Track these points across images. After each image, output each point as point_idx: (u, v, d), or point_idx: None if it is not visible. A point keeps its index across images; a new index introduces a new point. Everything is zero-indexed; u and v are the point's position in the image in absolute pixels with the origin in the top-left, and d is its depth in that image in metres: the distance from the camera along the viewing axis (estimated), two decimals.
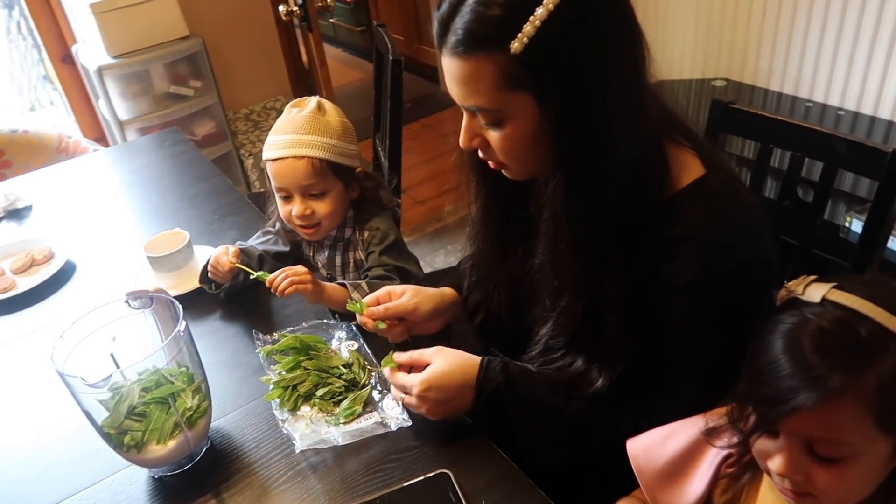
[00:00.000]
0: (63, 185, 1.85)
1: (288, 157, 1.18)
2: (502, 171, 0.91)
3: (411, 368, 0.95)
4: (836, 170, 1.22)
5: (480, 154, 0.90)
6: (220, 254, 1.20)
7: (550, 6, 0.72)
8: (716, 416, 0.75)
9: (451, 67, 0.81)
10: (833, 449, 0.61)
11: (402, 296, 1.06)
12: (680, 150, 0.87)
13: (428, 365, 0.93)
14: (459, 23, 0.77)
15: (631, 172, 0.80)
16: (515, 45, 0.73)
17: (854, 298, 0.62)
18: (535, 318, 0.98)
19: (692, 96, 2.54)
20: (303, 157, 1.18)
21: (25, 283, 1.39)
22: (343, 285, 1.17)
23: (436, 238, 2.91)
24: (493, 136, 0.84)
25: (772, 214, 1.36)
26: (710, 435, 0.75)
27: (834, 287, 0.63)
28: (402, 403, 0.95)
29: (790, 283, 0.66)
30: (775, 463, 0.65)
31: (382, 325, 1.03)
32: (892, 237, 2.04)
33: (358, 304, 1.05)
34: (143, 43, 2.67)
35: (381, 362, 0.97)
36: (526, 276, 0.99)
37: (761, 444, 0.66)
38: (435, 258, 2.74)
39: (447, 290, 1.14)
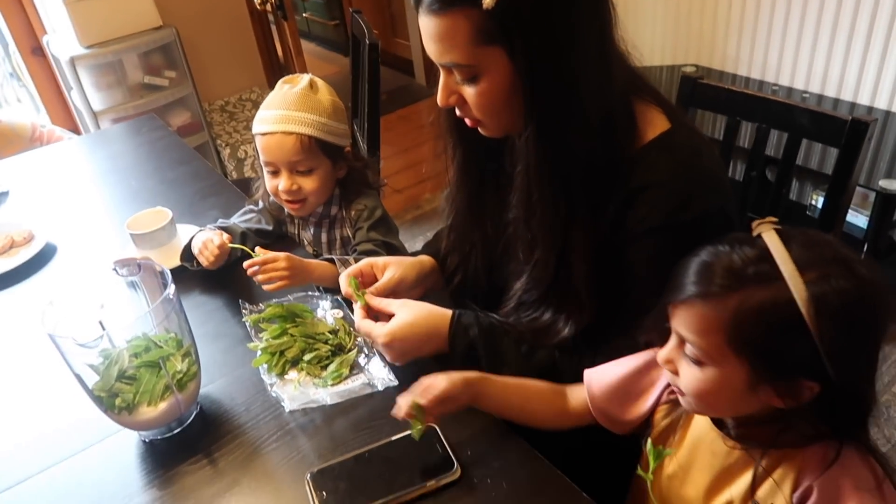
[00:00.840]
0: (40, 172, 1.84)
1: (277, 133, 1.20)
2: (479, 128, 0.94)
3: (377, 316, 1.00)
4: (800, 141, 1.27)
5: (457, 112, 0.93)
6: (207, 240, 1.20)
7: None
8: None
9: (426, 25, 0.84)
10: (693, 349, 0.69)
11: (386, 270, 1.08)
12: (647, 106, 0.91)
13: (391, 316, 0.97)
14: None
15: (599, 125, 0.85)
16: (487, 1, 0.77)
17: (775, 242, 0.65)
18: (510, 274, 1.02)
19: (663, 82, 2.60)
20: (292, 133, 1.20)
21: (5, 264, 1.38)
22: (331, 260, 1.19)
23: (414, 225, 2.94)
24: (469, 92, 0.87)
25: (739, 190, 1.40)
26: (649, 376, 0.82)
27: (775, 229, 0.67)
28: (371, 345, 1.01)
29: (755, 223, 0.70)
30: (660, 352, 0.74)
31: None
32: (853, 212, 2.12)
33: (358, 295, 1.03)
34: (116, 33, 2.65)
35: (356, 295, 1.00)
36: (502, 235, 1.02)
37: (665, 348, 0.75)
38: (414, 245, 2.74)
39: (425, 259, 1.17)
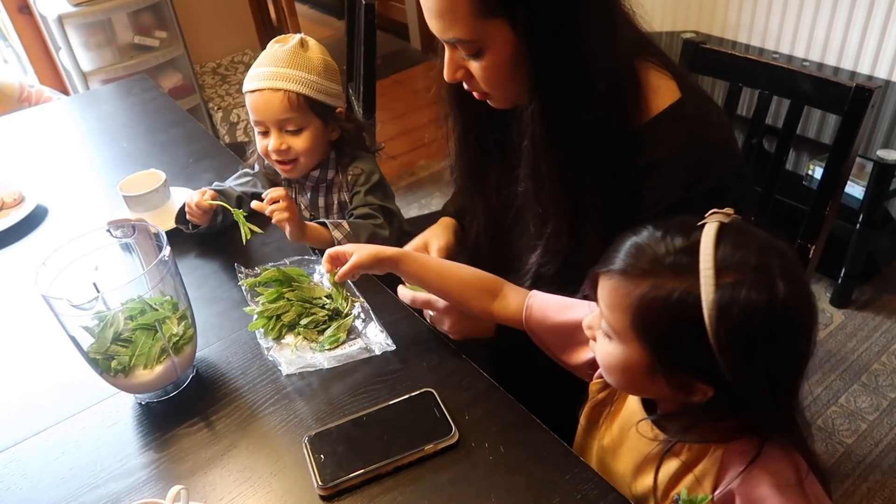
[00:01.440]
0: (28, 133, 1.81)
1: (265, 89, 1.18)
2: (487, 100, 0.93)
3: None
4: (801, 108, 1.26)
5: (465, 86, 0.92)
6: (198, 195, 1.19)
7: None
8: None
9: (427, 2, 0.83)
10: (605, 322, 0.71)
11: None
12: (655, 72, 0.89)
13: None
14: None
15: (606, 95, 0.83)
16: None
17: (709, 237, 0.63)
18: (523, 248, 1.01)
19: (664, 49, 2.56)
20: (279, 89, 1.18)
21: None
22: (324, 224, 1.18)
23: (409, 192, 2.92)
24: (475, 66, 0.87)
25: None
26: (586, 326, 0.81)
27: (723, 221, 0.65)
28: (429, 319, 1.00)
29: (715, 209, 0.68)
30: (584, 319, 0.78)
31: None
32: (850, 182, 2.11)
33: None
34: None
35: (408, 286, 1.01)
36: (510, 205, 1.01)
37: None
38: (409, 212, 2.75)
39: (448, 223, 1.22)
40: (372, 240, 1.17)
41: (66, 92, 2.92)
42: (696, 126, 0.87)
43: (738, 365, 0.62)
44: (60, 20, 2.53)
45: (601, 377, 0.83)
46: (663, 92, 0.88)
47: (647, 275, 0.65)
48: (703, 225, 0.65)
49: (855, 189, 2.11)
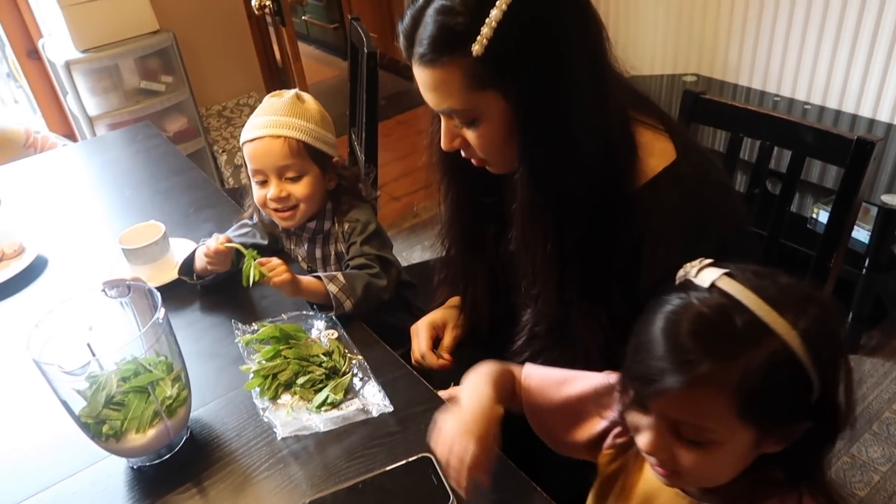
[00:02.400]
0: (32, 181, 1.81)
1: (265, 137, 1.19)
2: (486, 167, 0.93)
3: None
4: (803, 158, 1.25)
5: (463, 153, 0.93)
6: (211, 242, 1.18)
7: (503, 6, 0.76)
8: (614, 377, 0.77)
9: (421, 76, 0.85)
10: (696, 433, 0.62)
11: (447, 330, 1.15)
12: (651, 133, 0.89)
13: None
14: (423, 33, 0.81)
15: (597, 159, 0.83)
16: (476, 48, 0.77)
17: (739, 288, 0.61)
18: (518, 305, 1.00)
19: (664, 91, 2.58)
20: (280, 136, 1.19)
21: None
22: (318, 277, 1.16)
23: (412, 234, 2.91)
24: (471, 135, 0.88)
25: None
26: (597, 400, 0.78)
27: (725, 274, 0.64)
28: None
29: (687, 265, 0.67)
30: (642, 440, 0.67)
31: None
32: (855, 226, 2.10)
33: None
34: (112, 37, 2.62)
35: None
36: (505, 265, 1.01)
37: (635, 418, 0.68)
38: (412, 254, 2.74)
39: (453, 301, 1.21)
40: (368, 289, 1.16)
41: (72, 136, 2.95)
42: (693, 187, 0.86)
43: (831, 378, 0.62)
44: (68, 66, 2.56)
45: (612, 447, 0.81)
46: (659, 153, 0.88)
47: (731, 359, 0.59)
48: (713, 286, 0.63)
49: (860, 233, 2.10)
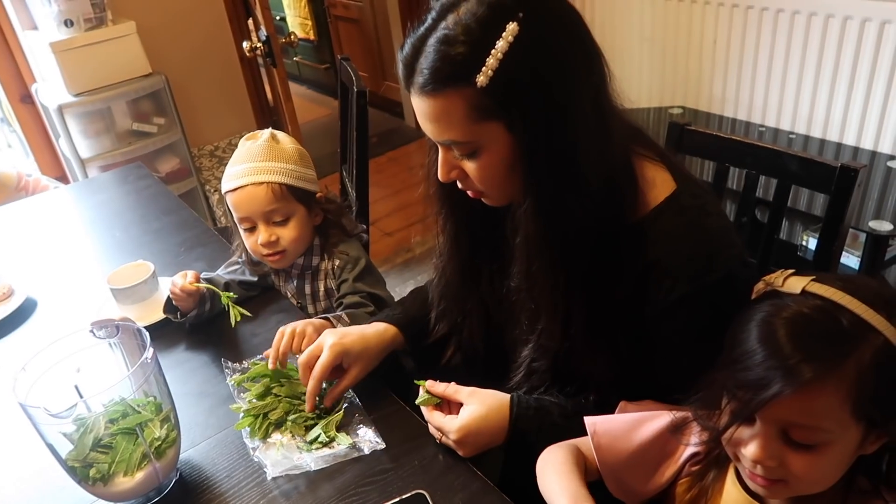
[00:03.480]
0: (23, 223, 1.81)
1: (248, 185, 1.19)
2: (482, 198, 0.92)
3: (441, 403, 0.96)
4: (789, 186, 1.27)
5: (459, 185, 0.92)
6: (177, 279, 1.18)
7: (510, 38, 0.75)
8: (681, 412, 0.77)
9: (421, 106, 0.83)
10: (809, 435, 0.63)
11: (352, 370, 1.03)
12: (650, 165, 0.89)
13: (461, 405, 0.93)
14: (424, 63, 0.79)
15: (601, 192, 0.82)
16: (481, 79, 0.76)
17: (833, 290, 0.64)
18: (515, 341, 0.99)
19: (651, 124, 2.62)
20: (262, 182, 1.19)
21: None
22: (327, 319, 1.15)
23: (406, 269, 2.91)
24: (470, 166, 0.86)
25: None
26: (676, 431, 0.76)
27: (813, 280, 0.66)
28: (439, 441, 0.95)
29: (768, 277, 0.68)
30: (750, 450, 0.66)
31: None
32: (845, 252, 2.11)
33: (427, 398, 0.97)
34: (105, 81, 2.65)
35: (418, 401, 0.96)
36: (502, 300, 1.00)
37: (738, 432, 0.67)
38: (405, 288, 2.73)
39: (387, 334, 1.10)
40: None
41: (64, 178, 2.96)
42: (695, 218, 0.86)
43: None
44: (61, 110, 2.59)
45: (687, 476, 0.79)
46: (659, 184, 0.88)
47: (838, 356, 0.61)
48: (804, 290, 0.65)
49: (850, 259, 2.11)
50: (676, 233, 0.85)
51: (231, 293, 1.15)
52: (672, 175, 0.89)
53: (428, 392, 0.96)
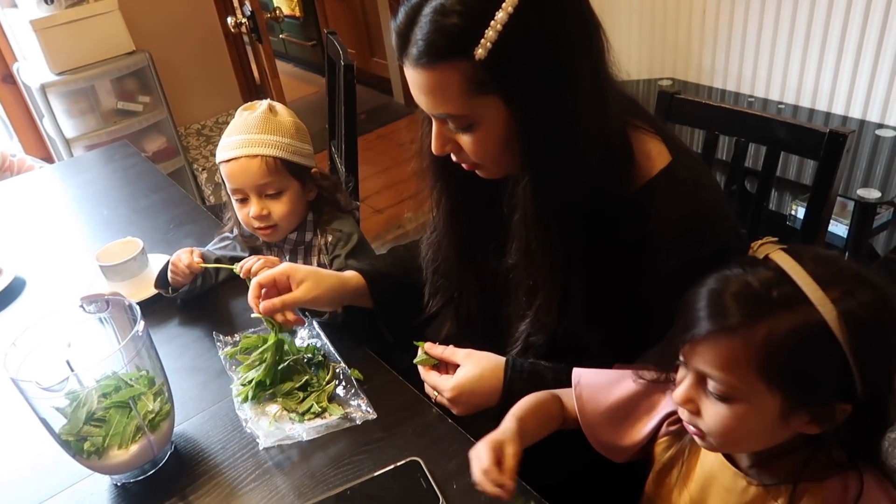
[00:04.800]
0: (9, 202, 1.79)
1: (241, 157, 1.18)
2: (477, 171, 0.90)
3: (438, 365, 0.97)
4: (778, 154, 1.27)
5: (454, 158, 0.90)
6: (183, 255, 1.18)
7: (510, 9, 0.72)
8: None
9: (415, 78, 0.80)
10: (719, 386, 0.65)
11: (302, 284, 1.02)
12: (645, 137, 0.88)
13: (458, 366, 0.94)
14: (419, 34, 0.76)
15: (598, 166, 0.81)
16: (480, 52, 0.73)
17: (790, 262, 0.64)
18: (511, 316, 0.99)
19: (640, 96, 2.61)
20: (256, 155, 1.18)
21: None
22: None
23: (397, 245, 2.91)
24: (465, 140, 0.84)
25: None
26: (649, 400, 0.78)
27: (781, 248, 0.66)
28: (433, 400, 0.96)
29: (755, 244, 0.68)
30: (676, 392, 0.69)
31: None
32: (833, 221, 2.13)
33: (425, 358, 0.98)
34: (88, 59, 2.61)
35: (416, 360, 0.97)
36: (498, 276, 0.99)
37: (678, 374, 0.71)
38: None
39: (350, 279, 1.10)
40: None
41: (50, 159, 2.92)
42: (690, 190, 0.86)
43: (875, 366, 0.62)
44: (43, 89, 2.55)
45: (667, 435, 0.80)
46: (654, 156, 0.87)
47: (758, 318, 0.62)
48: (767, 257, 0.65)
49: (839, 228, 2.12)
50: (672, 205, 0.85)
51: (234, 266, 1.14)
52: (667, 147, 0.89)
53: (426, 353, 0.97)
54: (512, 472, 0.75)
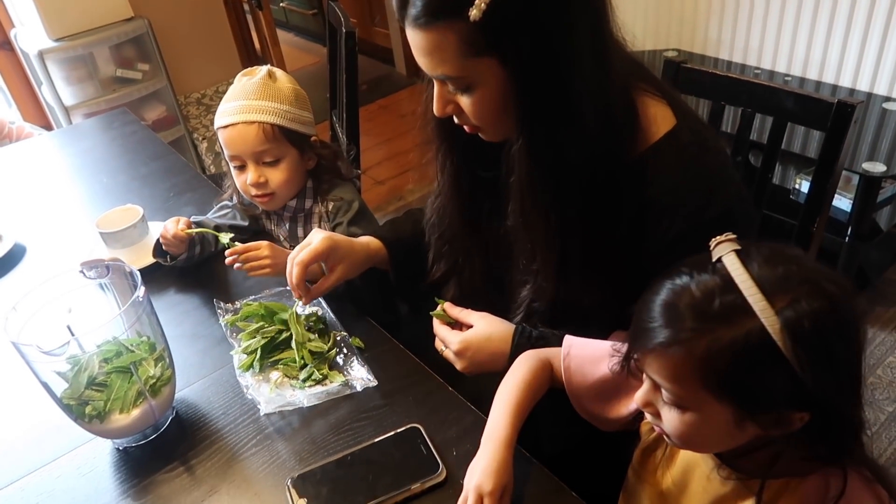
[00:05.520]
0: (8, 170, 1.78)
1: (239, 123, 1.17)
2: (479, 134, 0.90)
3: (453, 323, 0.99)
4: (785, 125, 1.25)
5: (455, 120, 0.90)
6: (170, 224, 1.18)
7: None
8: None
9: (414, 39, 0.80)
10: (669, 395, 0.64)
11: (337, 270, 1.03)
12: (650, 100, 0.87)
13: (471, 326, 0.95)
14: None
15: (598, 129, 0.81)
16: (474, 13, 0.73)
17: (738, 268, 0.61)
18: (514, 282, 0.99)
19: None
20: (254, 122, 1.16)
21: None
22: None
23: None
24: (465, 101, 0.84)
25: None
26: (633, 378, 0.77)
27: (733, 250, 0.63)
28: (441, 353, 0.98)
29: (713, 241, 0.66)
30: (636, 394, 0.70)
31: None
32: (837, 195, 2.11)
33: (442, 313, 1.00)
34: (86, 25, 2.58)
35: (433, 312, 0.99)
36: (501, 240, 0.99)
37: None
38: None
39: (376, 253, 1.12)
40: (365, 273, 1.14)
41: (49, 127, 2.90)
42: (695, 154, 0.85)
43: (825, 376, 0.59)
44: (41, 55, 2.52)
45: None
46: (659, 119, 0.86)
47: (700, 332, 0.60)
48: (719, 260, 0.63)
49: (842, 202, 2.11)
50: (676, 169, 0.84)
51: (230, 234, 1.13)
52: (672, 110, 0.88)
53: (444, 311, 0.99)
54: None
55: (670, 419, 0.66)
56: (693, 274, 0.63)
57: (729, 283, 0.60)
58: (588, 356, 0.85)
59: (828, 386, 0.59)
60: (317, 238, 1.01)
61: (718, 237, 0.65)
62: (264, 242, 1.10)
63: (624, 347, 0.75)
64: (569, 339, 0.87)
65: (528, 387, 0.85)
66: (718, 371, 0.60)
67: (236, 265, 1.09)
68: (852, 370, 0.62)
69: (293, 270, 0.99)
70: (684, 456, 0.76)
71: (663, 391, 0.65)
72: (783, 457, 0.65)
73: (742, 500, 0.68)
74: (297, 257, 1.00)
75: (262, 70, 1.22)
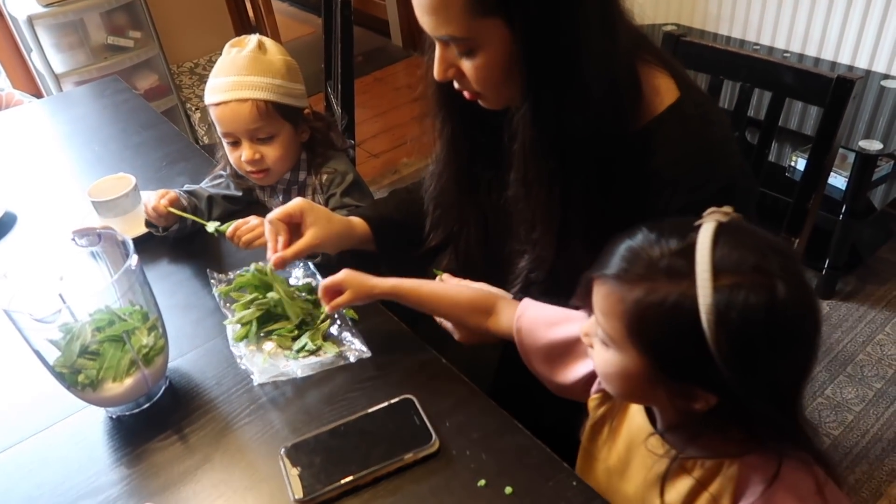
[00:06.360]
0: None
1: (231, 101, 1.14)
2: (478, 100, 0.89)
3: None
4: (783, 100, 1.25)
5: (456, 85, 0.88)
6: (152, 197, 1.16)
7: None
8: None
9: None
10: (601, 330, 0.67)
11: (309, 230, 1.00)
12: (654, 71, 0.86)
13: None
14: None
15: (603, 98, 0.80)
16: None
17: (705, 239, 0.60)
18: (512, 252, 0.99)
19: None
20: (246, 99, 1.14)
21: None
22: None
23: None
24: (467, 65, 0.83)
25: None
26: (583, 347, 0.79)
27: (720, 221, 0.62)
28: (440, 324, 0.99)
29: (712, 208, 0.65)
30: (581, 325, 0.73)
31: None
32: (832, 173, 2.11)
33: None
34: None
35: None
36: (500, 210, 0.98)
37: None
38: None
39: (357, 227, 1.10)
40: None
41: (39, 95, 2.86)
42: (698, 127, 0.84)
43: (741, 371, 0.58)
44: (31, 21, 2.48)
45: (599, 391, 0.81)
46: (663, 91, 0.85)
47: (642, 279, 0.61)
48: (700, 226, 0.62)
49: (837, 180, 2.11)
50: (678, 143, 0.83)
51: (217, 223, 1.11)
52: (676, 83, 0.87)
53: (442, 280, 1.00)
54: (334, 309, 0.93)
55: (597, 353, 0.69)
56: (668, 229, 0.64)
57: (689, 249, 0.60)
58: (543, 320, 0.87)
59: (743, 381, 0.59)
60: (296, 201, 1.01)
61: (714, 208, 0.64)
62: (253, 217, 1.09)
63: (579, 313, 0.77)
64: (526, 302, 0.89)
65: (451, 296, 0.92)
66: (643, 321, 0.61)
67: (237, 243, 1.08)
68: (777, 376, 0.60)
69: (265, 228, 0.99)
70: (628, 432, 0.77)
71: (598, 325, 0.68)
72: (703, 435, 0.66)
73: (682, 475, 0.69)
74: (268, 216, 0.99)
75: (252, 41, 1.19)
